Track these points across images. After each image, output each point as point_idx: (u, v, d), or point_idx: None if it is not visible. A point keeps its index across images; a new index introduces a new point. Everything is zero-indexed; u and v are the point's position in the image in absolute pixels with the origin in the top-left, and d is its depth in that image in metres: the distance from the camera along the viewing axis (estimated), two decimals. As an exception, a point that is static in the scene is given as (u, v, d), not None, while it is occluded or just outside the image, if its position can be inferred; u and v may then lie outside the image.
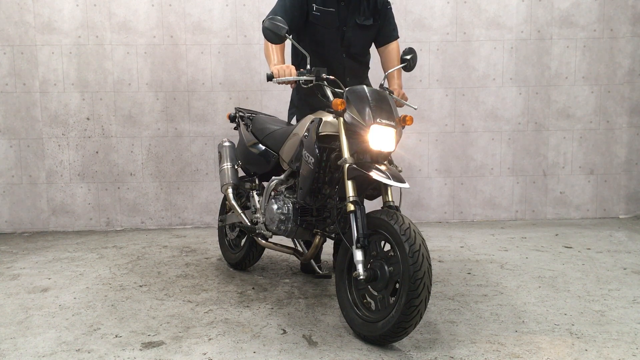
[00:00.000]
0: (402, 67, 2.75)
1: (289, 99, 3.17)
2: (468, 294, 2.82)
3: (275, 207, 2.73)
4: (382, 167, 2.24)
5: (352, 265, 2.28)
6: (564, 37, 4.53)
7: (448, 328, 2.39)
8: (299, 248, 2.93)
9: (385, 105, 2.35)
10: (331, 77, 2.50)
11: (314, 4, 2.79)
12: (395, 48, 3.01)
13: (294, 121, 3.07)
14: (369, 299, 2.31)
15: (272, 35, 2.46)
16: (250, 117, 3.28)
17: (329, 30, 2.84)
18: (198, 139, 4.52)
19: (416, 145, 4.58)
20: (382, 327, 2.14)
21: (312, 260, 2.84)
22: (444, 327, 2.39)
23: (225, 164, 3.26)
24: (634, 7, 4.51)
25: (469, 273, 3.19)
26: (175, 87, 4.47)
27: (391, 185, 2.23)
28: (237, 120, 3.35)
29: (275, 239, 3.06)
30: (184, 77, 4.47)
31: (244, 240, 3.28)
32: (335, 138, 2.45)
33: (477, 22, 4.51)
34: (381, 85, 2.56)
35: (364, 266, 2.18)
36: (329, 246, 3.25)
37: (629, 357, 2.10)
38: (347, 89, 2.41)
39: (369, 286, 2.25)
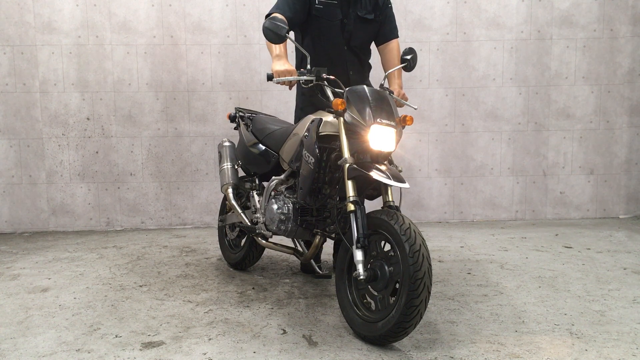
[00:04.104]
0: (402, 67, 2.76)
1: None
2: (468, 294, 2.82)
3: (275, 207, 2.73)
4: (382, 167, 2.24)
5: (352, 265, 2.28)
6: (564, 37, 4.53)
7: (448, 328, 2.39)
8: (299, 248, 2.93)
9: (385, 105, 2.35)
10: (331, 77, 2.51)
11: None
12: (396, 47, 3.01)
13: None
14: (369, 299, 2.31)
15: (272, 35, 2.46)
16: (251, 117, 3.28)
17: (331, 22, 2.85)
18: (198, 139, 4.52)
19: (416, 145, 4.58)
20: (382, 327, 2.14)
21: (312, 260, 2.84)
22: (444, 327, 2.39)
23: (225, 164, 3.26)
24: (634, 7, 4.51)
25: (469, 273, 3.19)
26: (175, 87, 4.47)
27: (391, 185, 2.23)
28: (237, 120, 3.35)
29: (275, 239, 3.06)
30: (184, 77, 4.47)
31: (244, 240, 3.28)
32: (336, 138, 2.45)
33: (477, 22, 4.51)
34: (381, 85, 2.56)
35: (364, 266, 2.18)
36: (329, 246, 3.25)
37: (629, 357, 2.10)
38: (347, 89, 2.41)
39: (369, 286, 2.25)
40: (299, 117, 3.06)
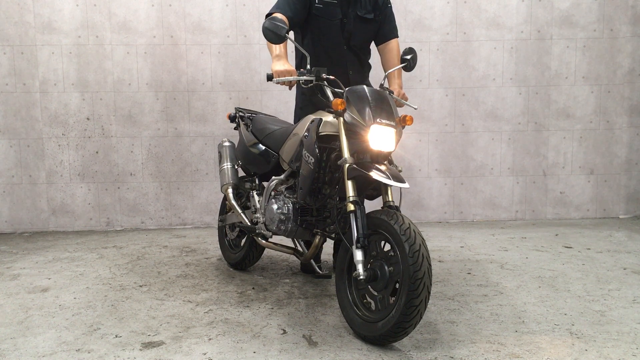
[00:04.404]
0: (402, 67, 2.75)
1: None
2: (468, 294, 2.82)
3: (275, 207, 2.73)
4: (382, 167, 2.24)
5: (352, 265, 2.28)
6: (564, 37, 4.53)
7: (448, 328, 2.39)
8: (299, 248, 2.93)
9: (385, 105, 2.35)
10: (331, 77, 2.51)
11: None
12: (395, 46, 3.01)
13: None
14: (369, 299, 2.31)
15: (272, 35, 2.46)
16: (250, 117, 3.28)
17: (331, 22, 2.86)
18: (198, 139, 4.52)
19: (416, 145, 4.58)
20: (382, 327, 2.14)
21: (312, 260, 2.84)
22: (444, 327, 2.39)
23: (225, 164, 3.26)
24: (634, 7, 4.51)
25: (469, 273, 3.19)
26: (175, 87, 4.47)
27: (391, 185, 2.23)
28: (237, 120, 3.35)
29: (275, 239, 3.06)
30: (184, 77, 4.47)
31: (244, 240, 3.28)
32: (335, 138, 2.45)
33: (477, 22, 4.51)
34: (381, 85, 2.56)
35: (364, 266, 2.18)
36: (329, 246, 3.25)
37: (629, 357, 2.10)
38: (347, 89, 2.41)
39: (369, 286, 2.25)
40: (298, 116, 3.06)
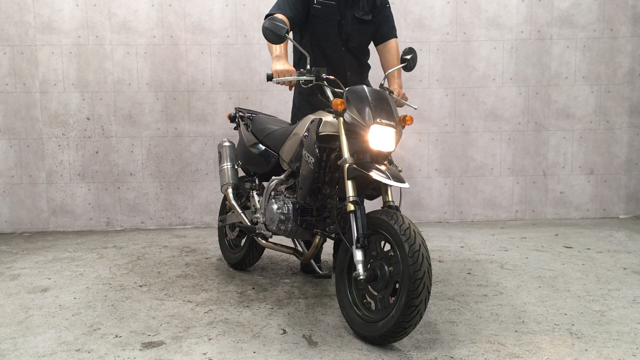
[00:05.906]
0: (402, 67, 2.76)
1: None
2: (468, 294, 2.82)
3: (275, 207, 2.73)
4: (382, 167, 2.24)
5: (352, 265, 2.28)
6: (564, 37, 4.53)
7: (448, 328, 2.39)
8: (299, 248, 2.93)
9: (385, 105, 2.35)
10: (331, 77, 2.51)
11: None
12: (394, 46, 3.01)
13: None
14: (369, 299, 2.31)
15: (271, 35, 2.47)
16: (250, 117, 3.28)
17: (329, 23, 2.86)
18: (198, 139, 4.52)
19: (416, 145, 4.58)
20: (382, 327, 2.14)
21: (312, 260, 2.84)
22: (444, 327, 2.39)
23: (225, 164, 3.26)
24: (634, 7, 4.51)
25: (469, 273, 3.19)
26: (175, 87, 4.47)
27: (391, 185, 2.23)
28: (237, 120, 3.35)
29: (275, 239, 3.06)
30: (184, 77, 4.47)
31: (244, 240, 3.29)
32: (335, 138, 2.45)
33: (477, 22, 4.51)
34: (381, 85, 2.56)
35: (364, 266, 2.18)
36: (329, 246, 3.25)
37: (629, 357, 2.10)
38: (347, 89, 2.42)
39: (369, 286, 2.25)
40: (296, 116, 3.06)
